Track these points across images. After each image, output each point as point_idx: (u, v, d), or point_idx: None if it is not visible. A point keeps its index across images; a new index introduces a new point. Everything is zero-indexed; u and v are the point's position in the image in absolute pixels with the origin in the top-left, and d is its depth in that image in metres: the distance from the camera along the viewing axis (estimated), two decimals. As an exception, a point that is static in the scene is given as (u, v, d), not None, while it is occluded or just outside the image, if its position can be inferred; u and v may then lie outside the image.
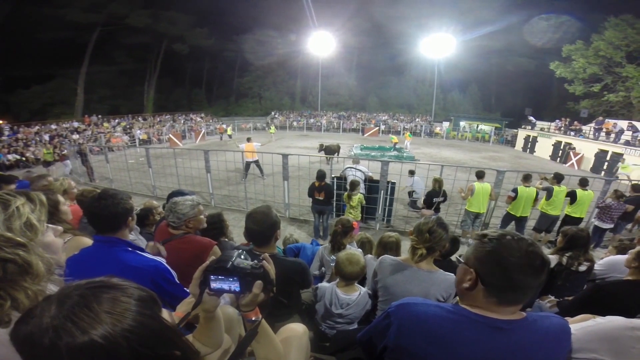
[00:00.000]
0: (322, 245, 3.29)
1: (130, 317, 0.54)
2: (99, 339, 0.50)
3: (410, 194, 7.83)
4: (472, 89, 38.16)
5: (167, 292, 1.58)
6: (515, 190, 5.67)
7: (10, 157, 15.45)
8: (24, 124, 20.75)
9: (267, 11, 33.92)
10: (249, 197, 7.58)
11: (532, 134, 23.17)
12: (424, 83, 38.64)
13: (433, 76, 35.54)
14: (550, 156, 20.56)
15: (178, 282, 1.67)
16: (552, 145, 20.60)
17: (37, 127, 20.57)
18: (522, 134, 24.69)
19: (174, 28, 32.59)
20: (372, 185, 6.19)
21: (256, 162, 9.94)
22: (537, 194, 5.70)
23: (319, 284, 2.30)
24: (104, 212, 1.55)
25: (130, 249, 1.61)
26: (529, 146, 23.29)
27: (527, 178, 5.75)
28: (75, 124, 23.02)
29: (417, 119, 34.08)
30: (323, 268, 2.93)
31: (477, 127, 29.41)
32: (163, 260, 1.65)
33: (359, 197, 5.56)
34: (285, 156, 6.70)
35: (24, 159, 15.75)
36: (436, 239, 1.71)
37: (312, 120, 33.78)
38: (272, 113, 36.48)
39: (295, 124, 33.00)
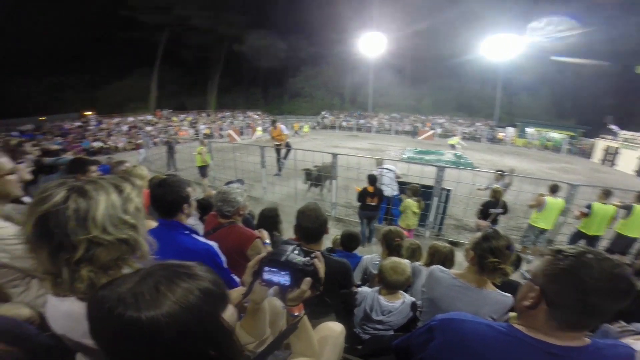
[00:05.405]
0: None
1: (188, 309, 0.55)
2: (145, 319, 0.52)
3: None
4: (544, 92, 34.35)
5: None
6: (589, 207, 5.07)
7: (95, 144, 17.78)
8: (107, 116, 23.65)
9: (318, 12, 34.52)
10: (298, 194, 7.75)
11: (614, 144, 20.33)
12: (486, 84, 35.85)
13: (496, 77, 32.87)
14: (635, 171, 17.83)
15: (226, 267, 1.75)
16: (638, 158, 17.89)
17: (117, 119, 23.35)
18: (600, 144, 21.78)
19: (233, 29, 34.93)
20: (424, 192, 5.96)
21: None
22: (615, 212, 5.03)
23: (359, 288, 2.25)
24: (161, 198, 1.70)
25: (187, 232, 1.73)
26: (609, 158, 20.50)
27: (606, 194, 5.10)
28: (149, 117, 25.64)
29: (477, 123, 31.79)
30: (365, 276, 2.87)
31: (548, 134, 26.52)
32: (215, 245, 1.74)
33: (420, 203, 5.42)
34: (334, 156, 6.73)
35: (106, 146, 18.04)
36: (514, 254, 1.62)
37: (362, 121, 33.36)
38: (323, 113, 36.83)
39: (344, 124, 32.93)
